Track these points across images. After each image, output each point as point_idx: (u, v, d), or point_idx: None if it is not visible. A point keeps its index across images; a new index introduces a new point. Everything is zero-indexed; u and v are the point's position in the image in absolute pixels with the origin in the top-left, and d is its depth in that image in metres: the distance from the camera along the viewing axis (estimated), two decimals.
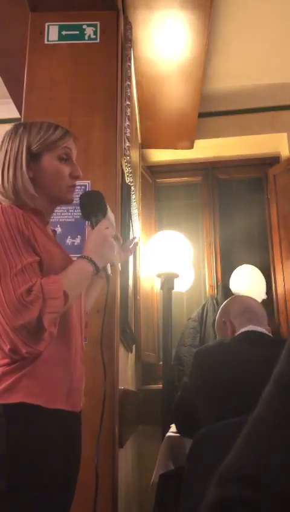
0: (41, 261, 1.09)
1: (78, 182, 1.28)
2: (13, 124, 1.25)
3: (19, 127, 1.22)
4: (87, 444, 1.24)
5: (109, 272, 1.27)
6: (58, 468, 1.05)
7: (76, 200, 1.29)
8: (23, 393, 1.02)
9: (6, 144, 1.20)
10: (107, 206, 1.30)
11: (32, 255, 1.06)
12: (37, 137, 1.19)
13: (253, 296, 1.83)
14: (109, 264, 1.25)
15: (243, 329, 1.61)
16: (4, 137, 1.22)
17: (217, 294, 3.22)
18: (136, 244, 1.61)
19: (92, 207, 1.28)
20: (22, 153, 1.17)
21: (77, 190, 1.28)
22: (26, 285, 1.00)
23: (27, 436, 1.01)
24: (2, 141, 1.22)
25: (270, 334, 1.62)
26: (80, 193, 1.32)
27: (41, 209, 1.20)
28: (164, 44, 2.51)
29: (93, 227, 1.24)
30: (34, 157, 1.18)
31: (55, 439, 1.06)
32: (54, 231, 1.32)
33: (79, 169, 1.24)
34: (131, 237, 2.17)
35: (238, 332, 1.62)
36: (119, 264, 1.75)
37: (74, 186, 1.25)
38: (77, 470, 1.17)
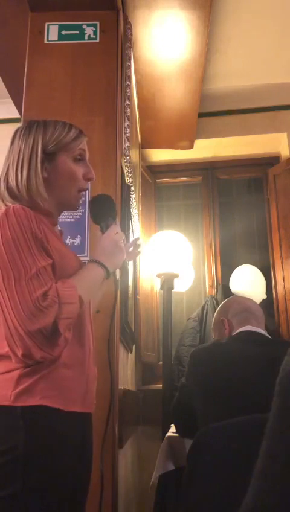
0: (54, 263, 1.07)
1: None
2: (27, 120, 1.21)
3: (32, 125, 1.18)
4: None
5: (118, 276, 1.28)
6: (73, 470, 1.05)
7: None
8: (41, 395, 1.01)
9: (19, 141, 1.16)
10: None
11: (46, 258, 1.04)
12: (52, 136, 1.16)
13: (253, 296, 1.83)
14: (118, 269, 1.25)
15: (241, 329, 1.61)
16: (16, 134, 1.19)
17: (217, 294, 3.22)
18: (139, 245, 1.54)
19: (103, 212, 1.28)
20: (36, 153, 1.14)
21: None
22: (42, 289, 0.98)
23: (45, 439, 1.00)
24: (14, 138, 1.18)
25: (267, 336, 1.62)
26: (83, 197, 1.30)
27: (51, 210, 1.18)
28: (164, 44, 2.51)
29: (103, 232, 1.24)
30: (48, 157, 1.15)
31: (72, 442, 1.06)
32: (61, 232, 1.29)
33: (92, 171, 1.23)
34: (132, 238, 2.12)
35: (236, 332, 1.62)
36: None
37: (84, 191, 1.24)
38: (89, 471, 1.17)
